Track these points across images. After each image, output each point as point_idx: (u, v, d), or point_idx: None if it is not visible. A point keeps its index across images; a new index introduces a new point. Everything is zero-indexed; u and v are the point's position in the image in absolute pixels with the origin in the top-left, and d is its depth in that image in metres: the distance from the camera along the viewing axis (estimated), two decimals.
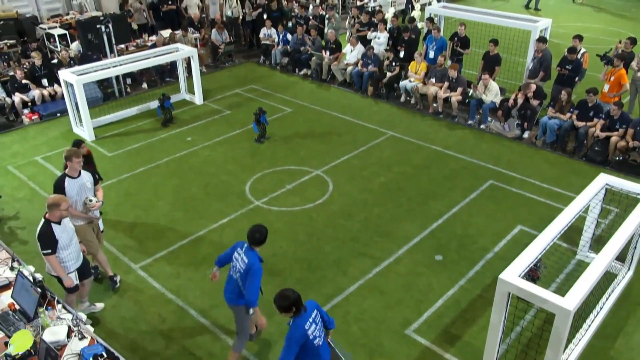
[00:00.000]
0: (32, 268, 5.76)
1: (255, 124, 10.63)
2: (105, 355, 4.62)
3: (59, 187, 6.22)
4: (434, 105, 11.87)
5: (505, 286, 5.06)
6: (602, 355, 5.89)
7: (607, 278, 6.61)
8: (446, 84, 11.63)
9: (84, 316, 5.12)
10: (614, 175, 6.86)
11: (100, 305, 6.56)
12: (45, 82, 12.25)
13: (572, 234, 7.25)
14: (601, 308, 6.30)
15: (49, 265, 5.71)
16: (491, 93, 11.09)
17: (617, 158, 9.56)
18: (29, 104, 11.93)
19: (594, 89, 9.92)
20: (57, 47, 13.95)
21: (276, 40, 14.99)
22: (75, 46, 13.45)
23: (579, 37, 11.19)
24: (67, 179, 6.22)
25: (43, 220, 5.55)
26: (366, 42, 13.69)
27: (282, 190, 9.01)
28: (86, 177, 6.38)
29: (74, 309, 6.04)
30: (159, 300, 6.73)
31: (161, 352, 5.97)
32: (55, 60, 13.00)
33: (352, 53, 13.43)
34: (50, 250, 5.53)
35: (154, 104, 11.97)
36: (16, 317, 5.09)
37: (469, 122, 11.38)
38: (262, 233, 5.31)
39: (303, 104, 12.50)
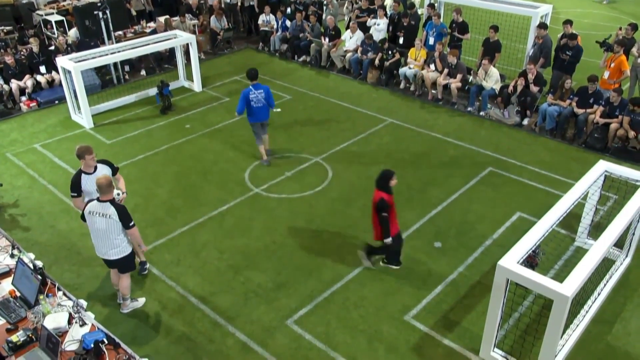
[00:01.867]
0: (32, 255, 5.79)
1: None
2: (106, 342, 4.65)
3: (76, 184, 6.22)
4: (433, 92, 11.83)
5: (504, 272, 5.09)
6: (599, 340, 5.94)
7: (605, 264, 6.64)
8: (445, 70, 11.58)
9: (84, 303, 5.15)
10: (613, 162, 6.86)
11: (142, 300, 6.51)
12: (43, 69, 12.18)
13: (570, 220, 7.27)
14: (599, 294, 6.33)
15: (131, 239, 5.89)
16: (492, 79, 11.04)
17: (616, 145, 9.55)
18: (27, 91, 11.88)
19: (594, 77, 9.87)
20: (54, 33, 13.86)
21: (275, 26, 14.88)
22: (72, 33, 13.36)
23: (570, 22, 11.16)
24: (82, 175, 6.24)
25: (112, 203, 5.64)
26: (366, 28, 13.60)
27: (281, 178, 9.01)
28: (103, 170, 6.29)
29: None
30: (159, 287, 6.76)
31: (162, 339, 6.00)
32: (52, 47, 12.92)
33: (351, 40, 13.35)
34: (133, 222, 5.77)
35: (153, 91, 11.92)
36: (17, 304, 5.11)
37: (469, 108, 11.35)
38: (255, 69, 9.03)
39: (302, 90, 12.46)
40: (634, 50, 10.76)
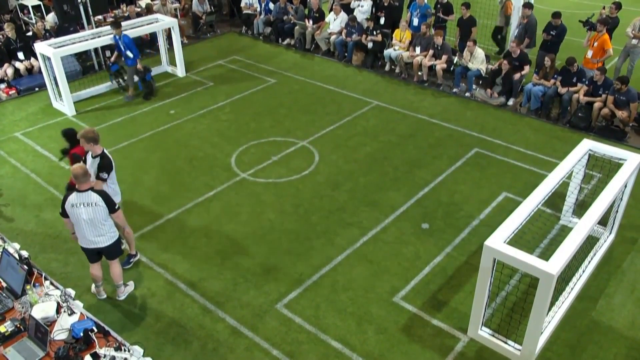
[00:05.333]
0: (17, 245, 5.71)
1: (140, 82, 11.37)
2: (95, 330, 4.63)
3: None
4: (419, 73, 11.81)
5: (491, 252, 5.14)
6: (584, 316, 6.05)
7: (590, 242, 6.74)
8: (431, 51, 11.55)
9: (72, 292, 5.11)
10: (597, 141, 6.93)
11: (131, 283, 6.51)
12: (21, 55, 11.92)
13: (555, 199, 7.35)
14: (583, 271, 6.44)
15: (118, 222, 5.94)
16: (477, 60, 11.04)
17: (599, 124, 9.63)
18: (6, 79, 11.62)
19: (572, 59, 9.86)
20: (31, 19, 13.54)
21: (258, 9, 14.70)
22: (50, 18, 13.07)
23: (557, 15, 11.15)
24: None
25: (93, 190, 5.60)
26: (349, 10, 13.48)
27: (267, 162, 8.97)
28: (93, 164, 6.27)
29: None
30: (147, 274, 6.73)
31: (151, 326, 6.00)
32: (30, 33, 12.63)
33: (335, 22, 13.24)
34: (118, 205, 5.82)
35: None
36: (3, 294, 5.06)
37: (454, 90, 11.36)
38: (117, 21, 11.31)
39: (287, 74, 12.36)
40: (629, 30, 10.72)
